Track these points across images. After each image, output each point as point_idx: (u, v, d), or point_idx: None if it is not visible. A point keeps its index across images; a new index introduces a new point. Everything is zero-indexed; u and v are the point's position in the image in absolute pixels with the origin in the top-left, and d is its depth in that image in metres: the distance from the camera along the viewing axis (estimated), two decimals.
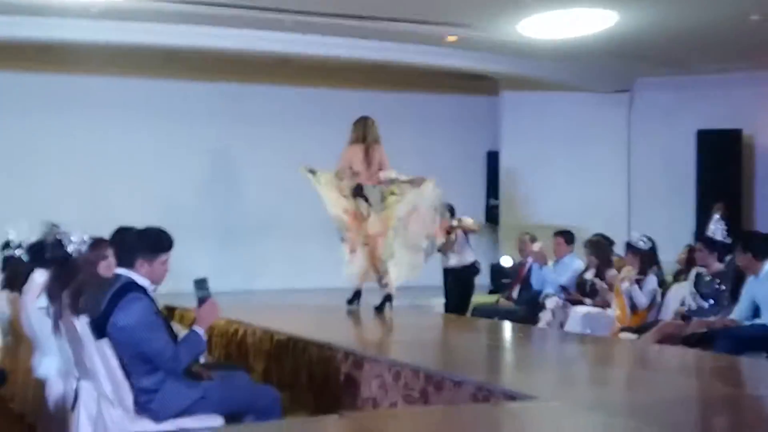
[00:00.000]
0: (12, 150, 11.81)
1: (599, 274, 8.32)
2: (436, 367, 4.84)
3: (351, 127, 8.24)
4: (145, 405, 4.35)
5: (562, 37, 11.23)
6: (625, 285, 7.66)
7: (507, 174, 13.90)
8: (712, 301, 6.98)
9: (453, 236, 9.56)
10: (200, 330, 4.50)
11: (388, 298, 7.94)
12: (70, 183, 11.92)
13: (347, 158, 8.12)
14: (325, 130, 11.06)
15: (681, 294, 7.41)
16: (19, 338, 6.50)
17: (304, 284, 11.83)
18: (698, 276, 7.18)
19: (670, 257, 8.95)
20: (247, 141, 12.95)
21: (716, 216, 7.44)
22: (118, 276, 4.50)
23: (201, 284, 4.57)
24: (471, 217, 10.05)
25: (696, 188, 12.79)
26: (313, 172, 8.11)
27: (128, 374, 4.34)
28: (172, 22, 10.54)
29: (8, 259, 7.65)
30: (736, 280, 6.78)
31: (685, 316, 6.93)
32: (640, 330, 7.19)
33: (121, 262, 4.56)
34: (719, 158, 12.64)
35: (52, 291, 5.06)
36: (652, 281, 7.70)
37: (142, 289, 4.43)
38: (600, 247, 8.51)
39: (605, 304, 8.03)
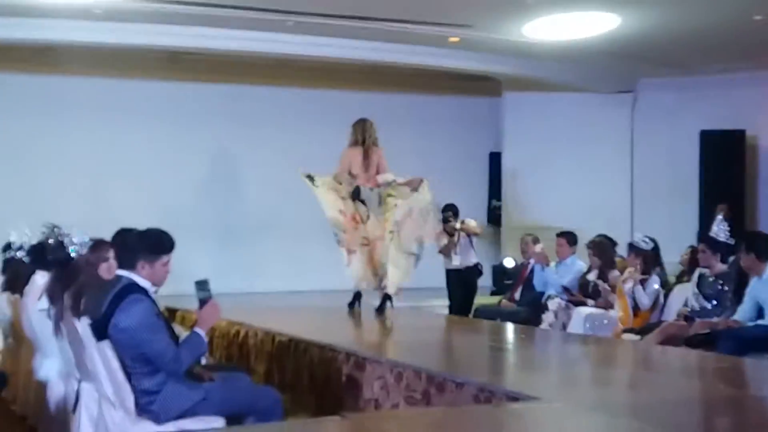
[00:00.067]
0: (13, 151, 11.83)
1: (602, 275, 8.30)
2: (438, 368, 4.82)
3: (350, 129, 8.24)
4: (146, 407, 4.34)
5: (565, 38, 11.22)
6: (628, 286, 7.66)
7: (509, 175, 13.89)
8: (715, 302, 6.96)
9: (455, 238, 9.56)
10: (201, 331, 4.49)
11: (387, 297, 7.93)
12: (71, 184, 11.93)
13: (346, 161, 8.11)
14: (325, 131, 11.06)
15: (684, 295, 7.39)
16: (20, 340, 6.49)
17: (304, 285, 11.83)
18: (701, 277, 7.16)
19: (673, 258, 8.95)
20: (247, 142, 12.95)
21: (719, 217, 7.42)
22: (119, 277, 4.50)
23: (202, 286, 4.56)
24: (474, 219, 10.05)
25: (699, 189, 12.76)
26: (311, 178, 8.07)
27: (129, 376, 4.33)
28: (172, 24, 10.54)
29: (9, 261, 7.63)
30: (739, 280, 6.76)
31: (688, 317, 6.91)
32: (642, 331, 7.18)
33: (122, 264, 4.56)
34: (722, 159, 12.62)
35: (53, 293, 5.05)
36: (654, 282, 7.69)
37: (144, 291, 4.42)
38: (603, 248, 8.48)
39: (608, 305, 8.01)
